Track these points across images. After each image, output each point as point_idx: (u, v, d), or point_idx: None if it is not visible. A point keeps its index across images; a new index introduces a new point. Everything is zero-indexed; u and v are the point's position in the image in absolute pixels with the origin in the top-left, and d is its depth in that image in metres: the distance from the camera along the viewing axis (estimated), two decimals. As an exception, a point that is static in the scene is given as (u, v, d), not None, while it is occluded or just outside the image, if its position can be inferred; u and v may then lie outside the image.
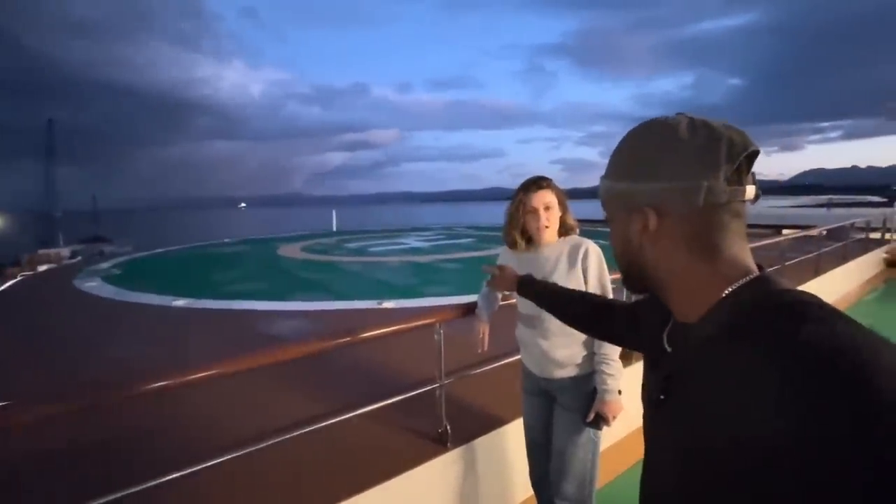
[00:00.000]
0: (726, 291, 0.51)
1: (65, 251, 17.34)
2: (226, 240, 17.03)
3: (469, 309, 1.97)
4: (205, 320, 5.15)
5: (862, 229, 9.20)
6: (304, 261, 10.55)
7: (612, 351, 1.58)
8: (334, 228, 20.73)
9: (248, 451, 1.56)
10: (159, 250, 13.74)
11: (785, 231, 10.77)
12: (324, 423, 1.77)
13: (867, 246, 8.33)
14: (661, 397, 0.56)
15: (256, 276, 8.62)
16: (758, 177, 0.54)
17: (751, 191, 0.52)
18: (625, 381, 1.61)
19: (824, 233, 7.22)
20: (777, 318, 0.44)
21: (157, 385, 1.33)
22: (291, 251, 12.40)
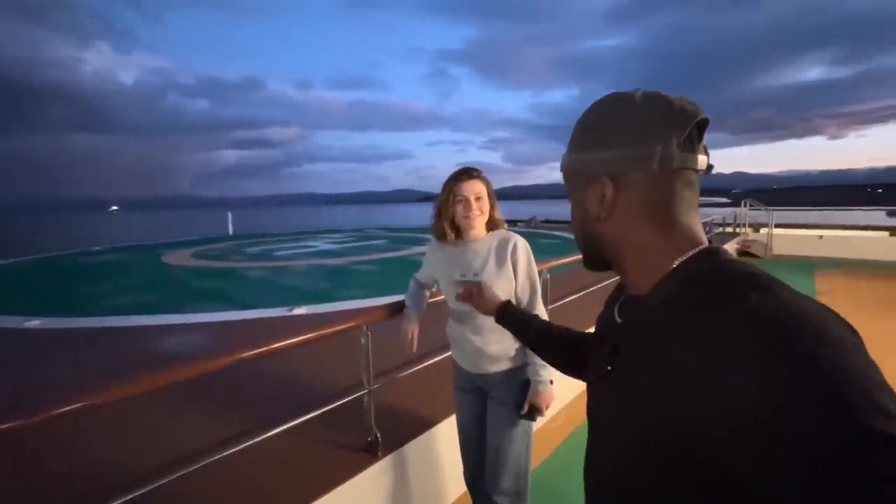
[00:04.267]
0: (677, 262, 0.52)
1: None
2: (94, 248, 14.72)
3: (396, 309, 1.91)
4: (70, 343, 4.34)
5: (719, 225, 10.88)
6: (196, 268, 9.52)
7: (543, 341, 1.62)
8: (230, 232, 19.04)
9: (144, 490, 1.31)
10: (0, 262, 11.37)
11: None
12: (237, 448, 1.56)
13: (723, 239, 9.88)
14: (609, 368, 0.56)
15: (136, 287, 7.55)
16: None
17: (703, 160, 0.54)
18: (554, 371, 1.67)
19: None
20: (725, 286, 0.45)
21: (7, 426, 1.04)
22: (179, 258, 11.13)
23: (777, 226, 10.87)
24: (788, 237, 10.66)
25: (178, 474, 1.38)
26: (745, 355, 0.38)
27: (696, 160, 0.53)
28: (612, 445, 0.54)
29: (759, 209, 11.91)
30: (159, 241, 17.17)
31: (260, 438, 1.64)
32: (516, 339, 1.06)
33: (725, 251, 0.52)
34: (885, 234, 9.96)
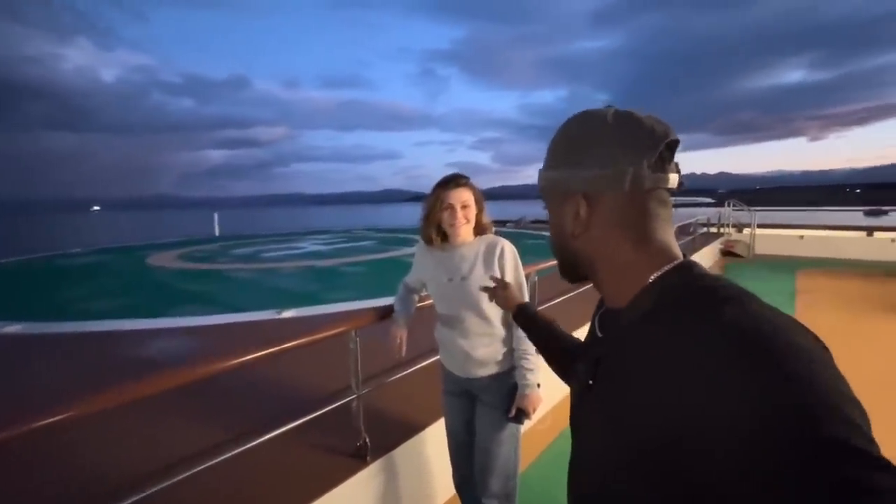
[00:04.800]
0: (653, 277, 0.53)
1: None
2: (75, 249, 14.40)
3: (385, 313, 1.90)
4: (52, 348, 4.24)
5: (704, 225, 11.06)
6: (181, 270, 9.35)
7: (530, 346, 1.64)
8: (216, 233, 18.75)
9: (128, 501, 1.29)
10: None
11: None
12: (224, 455, 1.55)
13: (708, 239, 10.04)
14: (590, 382, 0.57)
15: (121, 290, 7.42)
16: None
17: (674, 179, 0.55)
18: (541, 375, 1.68)
19: (676, 228, 8.54)
20: (699, 300, 0.46)
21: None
22: (165, 260, 10.93)
23: (759, 226, 11.08)
24: (771, 237, 10.87)
25: (164, 484, 1.37)
26: (717, 370, 0.39)
27: (667, 179, 0.54)
28: (594, 459, 0.55)
29: (742, 209, 12.12)
30: (143, 242, 16.75)
31: (248, 445, 1.62)
32: (527, 337, 1.12)
33: (699, 265, 0.53)
34: (863, 234, 10.22)
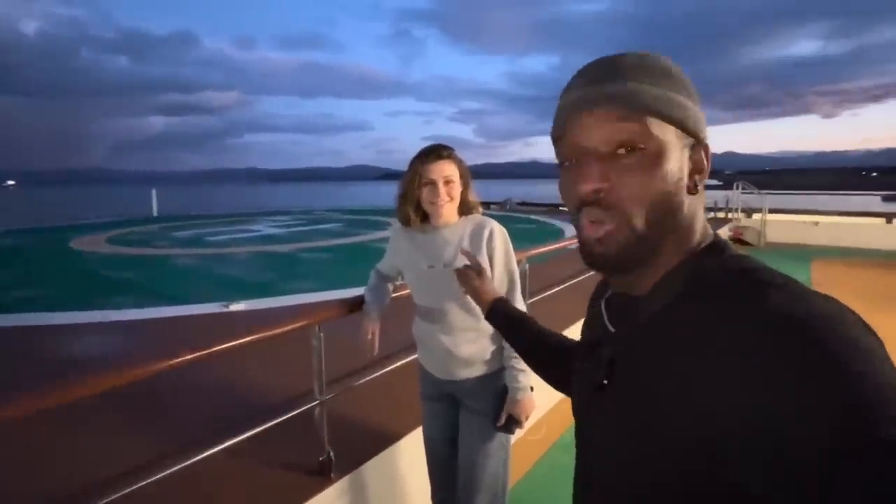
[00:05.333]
0: (684, 256, 0.52)
1: None
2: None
3: (354, 305, 1.88)
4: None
5: (709, 209, 11.35)
6: (112, 255, 9.41)
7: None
8: (154, 213, 18.60)
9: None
10: None
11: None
12: (160, 475, 1.51)
13: (714, 225, 10.27)
14: (605, 382, 0.56)
15: (39, 278, 7.42)
16: None
17: None
18: (534, 377, 1.68)
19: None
20: (738, 282, 0.46)
21: None
22: (92, 243, 10.99)
23: (771, 211, 11.42)
24: (783, 223, 11.22)
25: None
26: (765, 360, 0.39)
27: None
28: (612, 472, 0.54)
29: (752, 193, 12.45)
30: (67, 222, 16.81)
31: (189, 461, 1.59)
32: (505, 340, 1.07)
33: (730, 245, 0.53)
34: (882, 220, 10.65)
